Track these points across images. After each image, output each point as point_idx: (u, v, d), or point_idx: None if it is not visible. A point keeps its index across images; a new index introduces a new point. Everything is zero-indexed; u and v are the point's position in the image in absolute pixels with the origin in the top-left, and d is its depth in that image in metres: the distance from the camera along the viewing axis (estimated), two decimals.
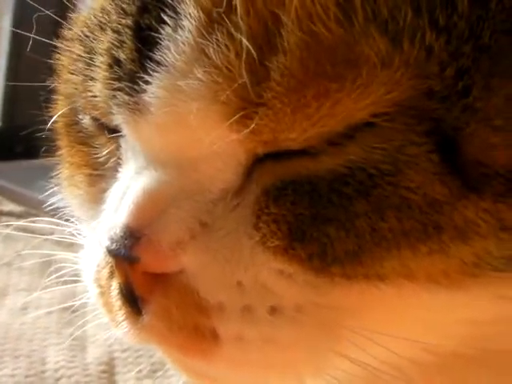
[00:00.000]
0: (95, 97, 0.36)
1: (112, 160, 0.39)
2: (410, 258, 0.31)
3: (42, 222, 1.36)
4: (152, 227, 0.33)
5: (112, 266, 0.36)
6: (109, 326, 0.91)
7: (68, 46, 0.40)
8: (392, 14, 0.30)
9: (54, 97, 0.46)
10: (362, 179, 0.31)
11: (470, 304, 0.33)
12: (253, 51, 0.30)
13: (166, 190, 0.34)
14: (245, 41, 0.30)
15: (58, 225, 1.41)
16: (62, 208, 0.48)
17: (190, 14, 0.32)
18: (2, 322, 0.95)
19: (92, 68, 0.36)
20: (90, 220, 0.41)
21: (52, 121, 0.46)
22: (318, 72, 0.30)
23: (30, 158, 1.78)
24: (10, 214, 1.36)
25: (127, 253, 0.33)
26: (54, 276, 1.13)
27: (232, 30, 0.31)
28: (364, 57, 0.30)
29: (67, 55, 0.41)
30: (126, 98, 0.34)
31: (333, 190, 0.31)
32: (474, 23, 0.30)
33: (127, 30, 0.34)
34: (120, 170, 0.38)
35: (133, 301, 0.35)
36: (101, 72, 0.35)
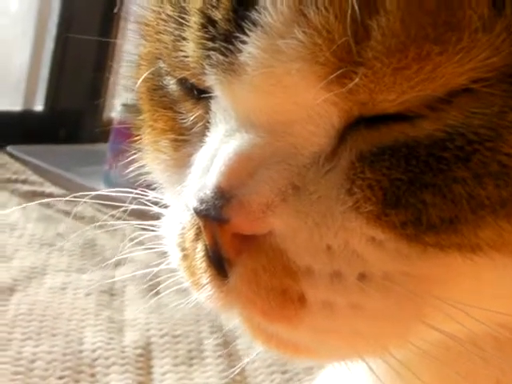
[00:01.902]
0: (187, 57, 0.36)
1: (199, 125, 0.39)
2: (506, 229, 0.31)
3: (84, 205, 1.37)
4: (243, 189, 0.33)
5: (198, 228, 0.36)
6: (148, 310, 0.90)
7: (155, 6, 0.39)
8: None
9: (138, 62, 0.45)
10: (461, 144, 0.30)
11: None
12: (356, 7, 0.29)
13: (258, 152, 0.34)
14: None
15: (99, 210, 1.41)
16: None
17: None
18: (40, 300, 0.96)
19: (184, 28, 0.36)
20: (174, 185, 0.40)
21: (136, 85, 0.44)
22: (420, 34, 0.29)
23: (72, 143, 1.79)
24: (51, 196, 1.37)
25: (217, 213, 0.33)
26: (94, 259, 1.14)
27: None
28: (466, 20, 0.29)
29: (155, 16, 0.40)
30: (221, 57, 0.33)
31: (431, 155, 0.31)
32: None
33: None
34: (208, 133, 0.37)
35: (219, 263, 0.35)
36: (194, 32, 0.35)
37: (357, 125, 0.33)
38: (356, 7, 0.29)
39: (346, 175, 0.33)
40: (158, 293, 1.01)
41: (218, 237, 0.34)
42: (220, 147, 0.35)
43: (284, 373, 0.83)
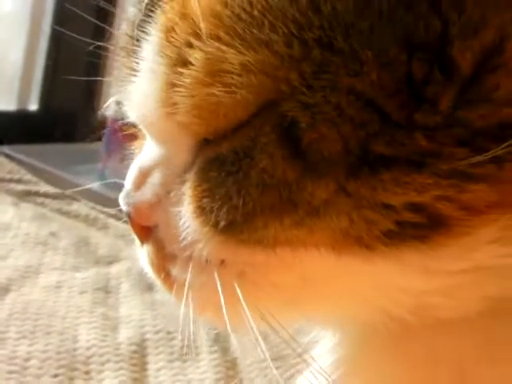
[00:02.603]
0: None
1: None
2: (283, 229, 0.38)
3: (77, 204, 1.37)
4: (138, 192, 0.44)
5: None
6: (142, 307, 0.90)
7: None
8: None
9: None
10: (235, 160, 0.39)
11: (398, 273, 0.38)
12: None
13: (149, 164, 0.44)
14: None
15: (94, 207, 1.40)
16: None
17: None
18: (35, 299, 0.95)
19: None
20: None
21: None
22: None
23: (67, 142, 1.79)
24: (45, 195, 1.37)
25: (127, 210, 0.45)
26: (88, 257, 1.14)
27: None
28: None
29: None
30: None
31: (224, 169, 0.39)
32: None
33: None
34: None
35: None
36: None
37: (205, 144, 0.41)
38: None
39: (190, 182, 0.42)
40: (152, 289, 1.01)
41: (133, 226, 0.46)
42: (138, 159, 0.46)
43: (277, 368, 0.83)
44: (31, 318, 0.90)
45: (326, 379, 0.44)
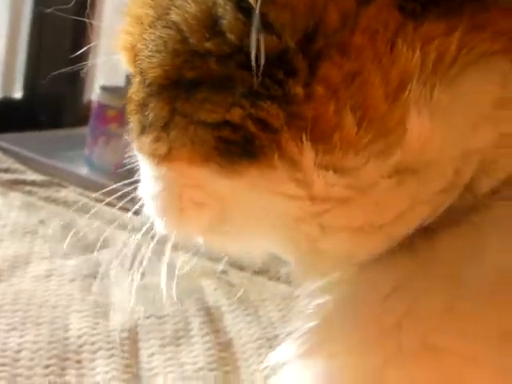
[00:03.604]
0: None
1: None
2: (155, 145, 0.44)
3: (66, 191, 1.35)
4: None
5: None
6: (133, 292, 0.89)
7: None
8: None
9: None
10: None
11: (258, 195, 0.43)
12: None
13: None
14: None
15: (82, 193, 1.39)
16: None
17: None
18: (25, 289, 0.94)
19: None
20: None
21: None
22: None
23: (53, 128, 1.78)
24: (33, 184, 1.36)
25: None
26: (77, 244, 1.13)
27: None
28: None
29: None
30: None
31: None
32: None
33: None
34: None
35: None
36: None
37: None
38: None
39: None
40: (142, 274, 1.00)
41: None
42: None
43: (271, 347, 0.82)
44: (22, 310, 0.89)
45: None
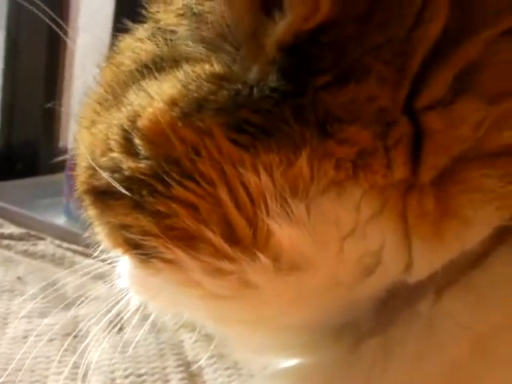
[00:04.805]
0: None
1: None
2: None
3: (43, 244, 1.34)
4: None
5: None
6: (112, 350, 0.88)
7: None
8: None
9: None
10: None
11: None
12: None
13: None
14: None
15: (60, 246, 1.38)
16: None
17: None
18: (2, 352, 0.93)
19: None
20: None
21: None
22: None
23: (30, 176, 1.77)
24: (10, 237, 1.35)
25: None
26: (56, 300, 1.11)
27: None
28: None
29: None
30: None
31: None
32: None
33: None
34: None
35: None
36: None
37: None
38: None
39: None
40: (121, 329, 0.99)
41: None
42: None
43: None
44: None
45: None
